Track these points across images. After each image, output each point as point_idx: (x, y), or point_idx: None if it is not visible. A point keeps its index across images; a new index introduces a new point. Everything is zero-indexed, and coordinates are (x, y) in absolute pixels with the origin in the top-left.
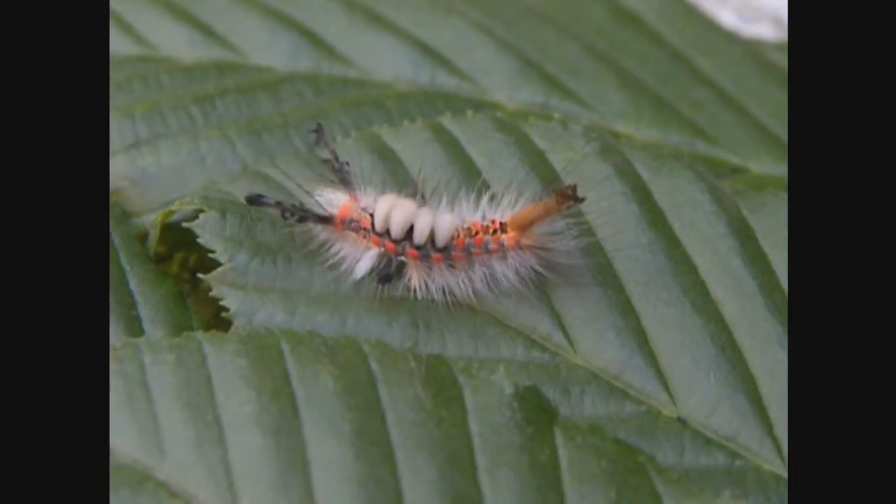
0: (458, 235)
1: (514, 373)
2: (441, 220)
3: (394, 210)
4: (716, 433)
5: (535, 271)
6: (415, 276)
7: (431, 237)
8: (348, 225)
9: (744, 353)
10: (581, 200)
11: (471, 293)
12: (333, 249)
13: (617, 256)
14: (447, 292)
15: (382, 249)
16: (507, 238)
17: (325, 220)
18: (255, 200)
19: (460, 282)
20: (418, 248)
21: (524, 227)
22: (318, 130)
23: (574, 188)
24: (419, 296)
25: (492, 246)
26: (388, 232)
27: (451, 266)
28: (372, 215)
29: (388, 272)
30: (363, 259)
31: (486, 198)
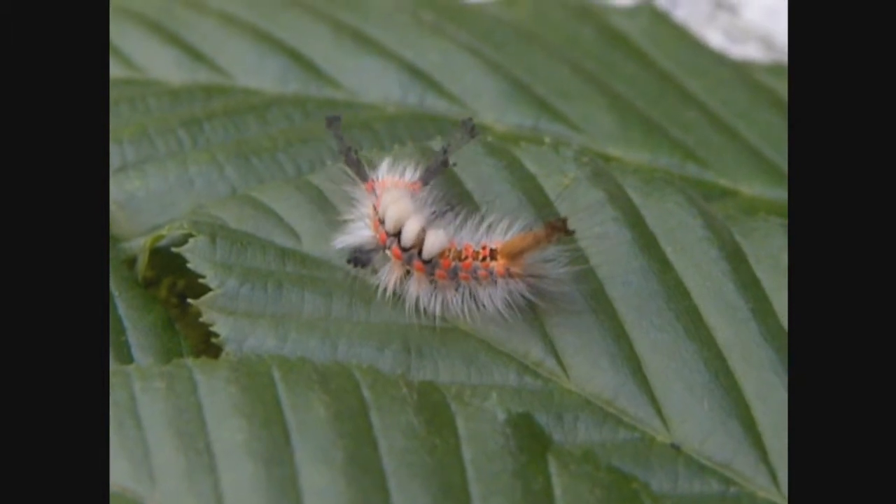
0: (447, 255)
1: (507, 399)
2: (431, 233)
3: (391, 205)
4: (710, 459)
5: (525, 298)
6: (391, 277)
7: (421, 246)
8: (369, 196)
9: (737, 378)
10: (571, 233)
11: (438, 311)
12: (352, 210)
13: (609, 282)
14: (420, 308)
15: (377, 235)
16: (497, 265)
17: (363, 177)
18: (331, 123)
19: (436, 299)
20: (404, 250)
21: (514, 255)
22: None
23: (564, 220)
24: (386, 296)
25: (481, 272)
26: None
27: (433, 282)
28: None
29: (367, 258)
30: (354, 233)
31: (482, 223)
